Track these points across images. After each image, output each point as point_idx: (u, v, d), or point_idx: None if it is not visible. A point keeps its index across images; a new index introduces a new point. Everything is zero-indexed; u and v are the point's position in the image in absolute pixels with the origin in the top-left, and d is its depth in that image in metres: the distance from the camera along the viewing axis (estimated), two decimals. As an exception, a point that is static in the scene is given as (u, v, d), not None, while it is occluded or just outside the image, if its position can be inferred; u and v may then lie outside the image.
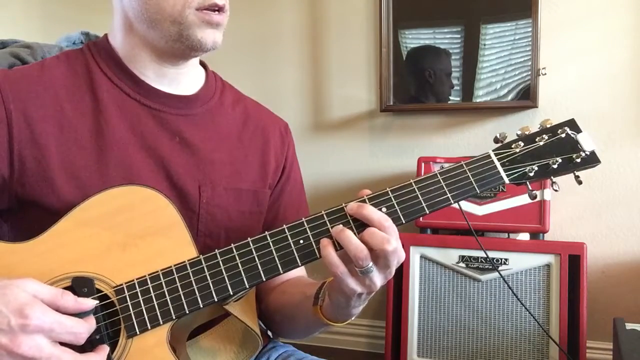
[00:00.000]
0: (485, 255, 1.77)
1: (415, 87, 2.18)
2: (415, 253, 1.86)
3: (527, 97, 2.00)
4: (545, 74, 1.95)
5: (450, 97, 2.13)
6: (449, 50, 2.10)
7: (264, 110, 1.00)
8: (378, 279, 0.71)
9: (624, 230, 1.98)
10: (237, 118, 0.94)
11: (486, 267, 1.79)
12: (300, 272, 0.96)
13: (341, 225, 0.72)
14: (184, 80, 0.88)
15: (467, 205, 1.83)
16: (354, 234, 0.70)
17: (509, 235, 1.87)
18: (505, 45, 2.03)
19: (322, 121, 2.35)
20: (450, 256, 1.83)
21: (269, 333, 0.99)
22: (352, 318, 0.79)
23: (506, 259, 1.77)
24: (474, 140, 2.15)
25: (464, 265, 1.81)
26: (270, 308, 0.93)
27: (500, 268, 1.76)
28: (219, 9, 0.81)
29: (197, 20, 0.80)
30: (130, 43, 0.85)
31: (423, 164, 1.93)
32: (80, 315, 0.66)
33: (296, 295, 0.87)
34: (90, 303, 0.67)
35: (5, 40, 1.01)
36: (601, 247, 1.99)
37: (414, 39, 2.16)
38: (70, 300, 0.65)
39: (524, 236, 1.85)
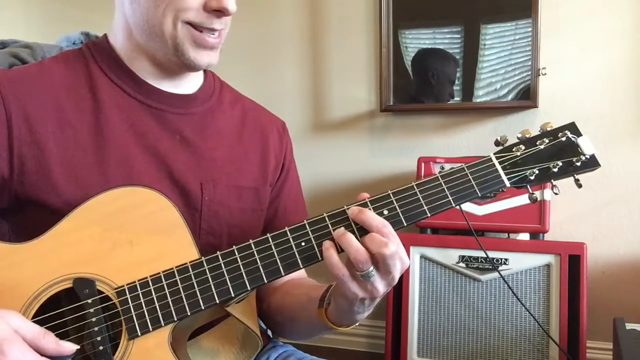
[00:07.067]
0: (485, 255, 1.77)
1: (417, 86, 2.18)
2: (415, 253, 1.86)
3: (527, 97, 1.99)
4: (545, 74, 1.95)
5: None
6: (457, 58, 2.10)
7: (261, 109, 1.01)
8: (380, 285, 0.72)
9: (624, 230, 1.98)
10: (236, 117, 0.94)
11: (486, 267, 1.79)
12: (301, 272, 0.96)
13: (343, 228, 0.72)
14: (183, 80, 0.89)
15: (467, 205, 1.83)
16: (356, 237, 0.70)
17: (509, 235, 1.87)
18: (505, 45, 2.02)
19: (322, 121, 2.35)
20: (450, 256, 1.83)
21: (269, 332, 1.00)
22: (357, 323, 0.79)
23: (506, 259, 1.77)
24: (474, 140, 2.15)
25: (464, 265, 1.81)
26: (272, 308, 0.94)
27: (500, 268, 1.76)
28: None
29: (189, 35, 0.80)
30: (130, 47, 0.85)
31: (423, 164, 1.92)
32: (60, 359, 0.63)
33: (300, 297, 0.87)
34: (71, 348, 0.65)
35: (5, 40, 1.01)
36: (601, 247, 1.99)
37: (414, 39, 2.16)
38: (52, 342, 0.63)
39: (524, 236, 1.85)
